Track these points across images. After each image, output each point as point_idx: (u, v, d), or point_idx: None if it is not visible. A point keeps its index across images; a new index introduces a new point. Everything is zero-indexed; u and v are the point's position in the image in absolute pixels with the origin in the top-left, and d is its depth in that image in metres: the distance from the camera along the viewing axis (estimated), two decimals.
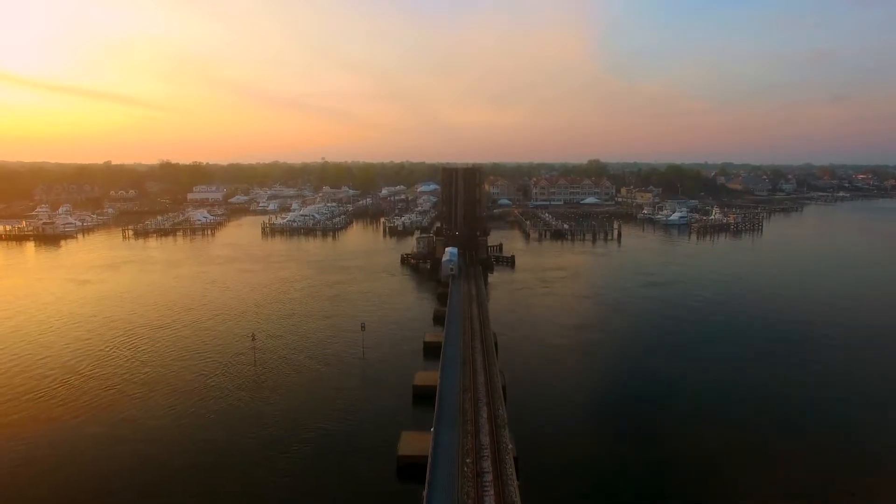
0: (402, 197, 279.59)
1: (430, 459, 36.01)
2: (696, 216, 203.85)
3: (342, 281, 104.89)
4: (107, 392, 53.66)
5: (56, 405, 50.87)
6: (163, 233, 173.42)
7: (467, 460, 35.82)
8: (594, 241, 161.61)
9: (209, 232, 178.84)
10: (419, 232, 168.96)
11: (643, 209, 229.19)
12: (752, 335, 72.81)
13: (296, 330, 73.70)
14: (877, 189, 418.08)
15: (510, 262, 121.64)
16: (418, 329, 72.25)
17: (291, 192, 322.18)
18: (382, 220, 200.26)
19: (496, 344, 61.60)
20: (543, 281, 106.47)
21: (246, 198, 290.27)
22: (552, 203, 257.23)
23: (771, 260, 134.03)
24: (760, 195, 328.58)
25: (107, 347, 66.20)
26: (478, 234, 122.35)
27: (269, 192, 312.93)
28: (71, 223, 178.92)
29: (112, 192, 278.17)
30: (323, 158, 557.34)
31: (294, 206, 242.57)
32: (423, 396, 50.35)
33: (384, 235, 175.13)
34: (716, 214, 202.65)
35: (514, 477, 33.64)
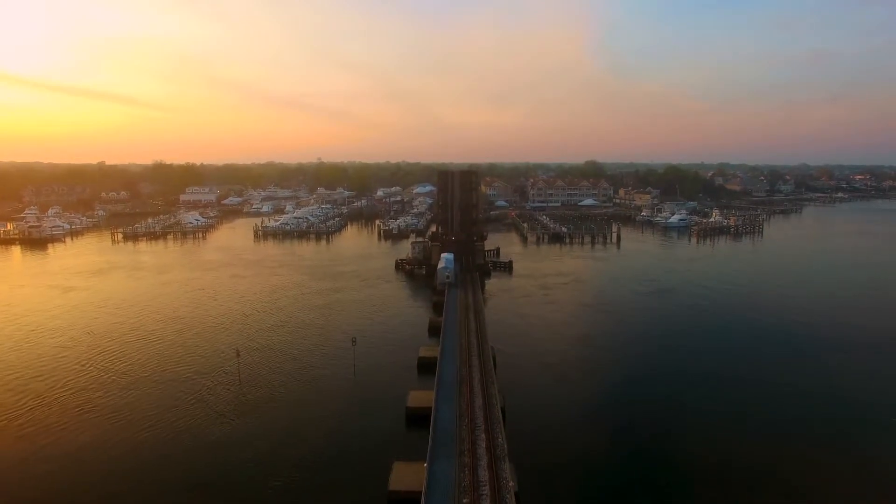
0: (398, 199, 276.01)
1: (423, 497, 33.05)
2: (696, 218, 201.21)
3: (335, 288, 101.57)
4: (72, 414, 50.19)
5: (15, 429, 47.35)
6: (153, 236, 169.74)
7: (464, 500, 32.71)
8: (593, 244, 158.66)
9: (200, 235, 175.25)
10: (414, 235, 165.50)
11: (642, 211, 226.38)
12: (769, 351, 68.47)
13: (284, 343, 70.38)
14: (875, 190, 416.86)
15: (508, 268, 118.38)
16: (413, 342, 69.00)
17: (286, 193, 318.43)
18: (377, 222, 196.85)
19: (494, 360, 58.47)
20: (543, 288, 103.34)
21: (240, 199, 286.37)
22: (550, 204, 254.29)
23: (777, 266, 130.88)
24: (759, 196, 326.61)
25: (81, 362, 62.75)
26: (475, 239, 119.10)
27: (263, 194, 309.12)
28: (59, 226, 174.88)
29: (103, 194, 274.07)
30: (319, 159, 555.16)
31: (288, 207, 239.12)
32: (417, 419, 47.35)
33: (379, 239, 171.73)
34: (716, 217, 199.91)
35: None
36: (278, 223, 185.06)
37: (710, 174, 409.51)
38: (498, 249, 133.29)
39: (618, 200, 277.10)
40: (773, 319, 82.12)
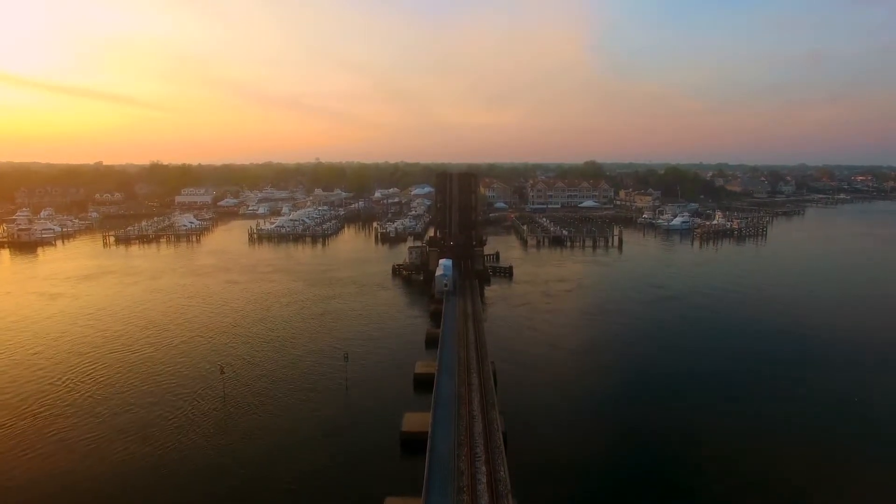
0: (396, 200, 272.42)
1: None
2: (699, 221, 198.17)
3: (329, 296, 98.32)
4: (36, 440, 46.85)
5: None
6: (145, 239, 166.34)
7: None
8: (594, 247, 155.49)
9: (194, 238, 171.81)
10: (412, 239, 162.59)
11: (643, 213, 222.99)
12: (791, 368, 64.54)
13: (275, 357, 67.10)
14: (876, 191, 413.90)
15: (508, 274, 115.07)
16: (409, 355, 65.73)
17: (283, 194, 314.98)
18: (375, 224, 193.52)
19: (495, 376, 55.26)
20: (545, 295, 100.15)
21: (236, 201, 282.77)
22: (549, 206, 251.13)
23: (786, 270, 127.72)
24: (760, 197, 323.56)
25: (53, 380, 59.28)
26: (473, 243, 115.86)
27: (259, 195, 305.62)
28: (49, 229, 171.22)
29: (97, 195, 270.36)
30: (318, 159, 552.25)
31: (284, 209, 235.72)
32: (413, 443, 44.25)
33: (376, 242, 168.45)
34: (718, 219, 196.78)
35: None
36: (273, 226, 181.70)
37: (709, 175, 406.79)
38: (497, 254, 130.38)
39: (618, 202, 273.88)
40: (787, 326, 79.01)
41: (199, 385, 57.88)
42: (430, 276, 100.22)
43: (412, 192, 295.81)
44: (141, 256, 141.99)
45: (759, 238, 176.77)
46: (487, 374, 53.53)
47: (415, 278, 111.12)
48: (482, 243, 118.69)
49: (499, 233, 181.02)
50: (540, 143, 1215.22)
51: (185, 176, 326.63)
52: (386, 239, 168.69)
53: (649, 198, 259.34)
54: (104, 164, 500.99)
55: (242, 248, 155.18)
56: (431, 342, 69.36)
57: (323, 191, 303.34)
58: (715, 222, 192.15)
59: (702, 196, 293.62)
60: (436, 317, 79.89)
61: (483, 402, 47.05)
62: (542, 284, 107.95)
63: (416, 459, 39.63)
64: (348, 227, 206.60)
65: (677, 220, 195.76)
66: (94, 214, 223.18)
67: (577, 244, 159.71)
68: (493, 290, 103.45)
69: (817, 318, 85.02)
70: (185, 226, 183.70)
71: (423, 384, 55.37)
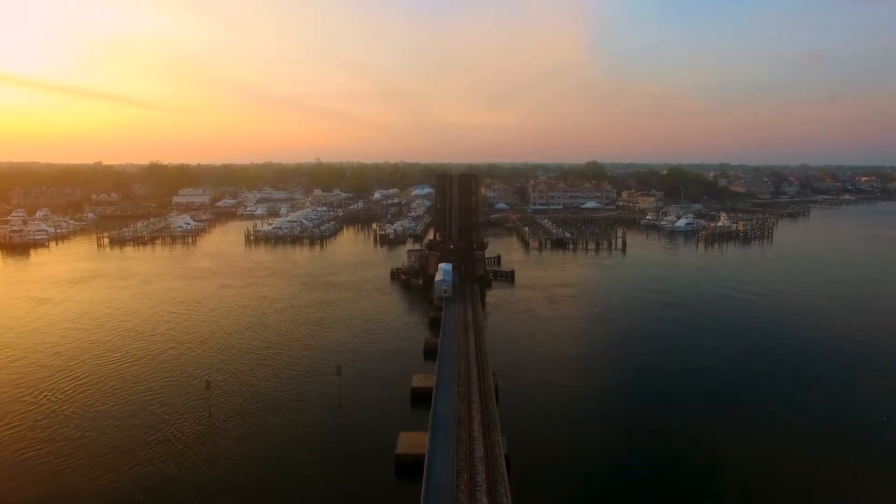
0: (395, 201, 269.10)
1: None
2: (703, 223, 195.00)
3: (326, 301, 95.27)
4: (9, 460, 43.94)
5: None
6: (140, 241, 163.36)
7: None
8: (597, 250, 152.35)
9: (190, 240, 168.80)
10: (412, 241, 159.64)
11: (646, 215, 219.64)
12: (807, 379, 61.58)
13: (266, 368, 64.00)
14: (881, 192, 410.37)
15: (510, 278, 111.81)
16: (406, 367, 62.62)
17: (282, 195, 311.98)
18: (374, 226, 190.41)
19: (496, 391, 52.20)
20: (548, 300, 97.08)
21: (234, 201, 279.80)
22: (551, 207, 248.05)
23: (795, 274, 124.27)
24: (763, 198, 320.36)
25: (36, 393, 56.38)
26: (474, 247, 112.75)
27: (258, 196, 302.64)
28: (43, 230, 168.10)
29: (94, 196, 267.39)
30: (318, 159, 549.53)
31: (283, 210, 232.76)
32: (408, 466, 41.34)
33: (375, 244, 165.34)
34: (723, 220, 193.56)
35: None
36: (271, 227, 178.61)
37: (711, 175, 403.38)
38: (499, 257, 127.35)
39: (621, 203, 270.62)
40: (800, 333, 75.97)
41: (186, 399, 54.77)
42: (429, 280, 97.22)
43: (412, 193, 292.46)
44: (134, 259, 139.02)
45: (765, 240, 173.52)
46: (489, 389, 50.49)
47: (414, 283, 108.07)
48: (483, 246, 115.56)
49: (500, 234, 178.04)
50: (540, 143, 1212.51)
51: (184, 176, 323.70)
52: (385, 241, 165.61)
53: (652, 199, 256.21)
54: (104, 164, 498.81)
55: (238, 251, 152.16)
56: (430, 352, 66.35)
57: (322, 191, 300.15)
58: (720, 224, 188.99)
59: (705, 197, 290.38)
60: (435, 325, 76.90)
61: (484, 422, 44.00)
62: (544, 289, 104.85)
63: (412, 485, 36.80)
64: (347, 228, 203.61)
65: (681, 222, 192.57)
66: (90, 215, 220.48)
67: (580, 246, 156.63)
68: (494, 296, 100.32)
69: (836, 331, 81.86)
70: (181, 227, 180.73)
71: (421, 399, 52.42)
